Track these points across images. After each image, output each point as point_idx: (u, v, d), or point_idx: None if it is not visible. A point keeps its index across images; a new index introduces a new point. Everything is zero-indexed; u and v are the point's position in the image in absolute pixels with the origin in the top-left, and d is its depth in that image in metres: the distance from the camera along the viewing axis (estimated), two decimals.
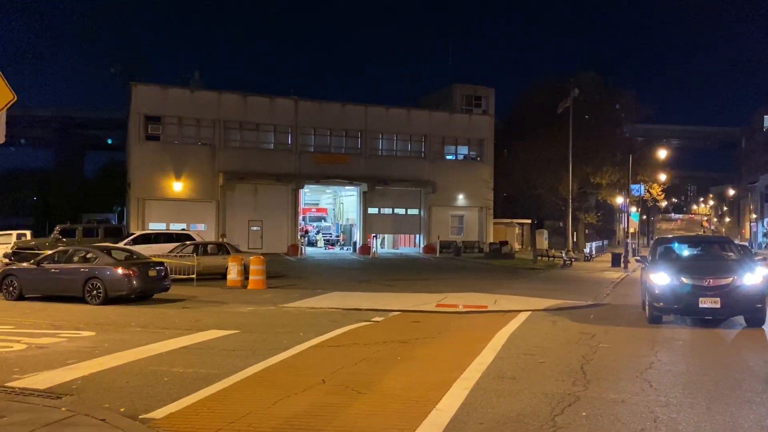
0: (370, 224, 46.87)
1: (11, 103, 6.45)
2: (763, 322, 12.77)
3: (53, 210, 70.31)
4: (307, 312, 15.26)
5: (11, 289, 17.17)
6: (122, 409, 6.70)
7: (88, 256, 17.27)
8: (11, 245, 30.99)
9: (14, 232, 36.00)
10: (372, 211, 47.30)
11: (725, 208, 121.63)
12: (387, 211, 48.11)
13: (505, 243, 45.39)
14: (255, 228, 43.43)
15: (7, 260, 26.21)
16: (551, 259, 37.13)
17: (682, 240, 17.08)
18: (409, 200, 48.65)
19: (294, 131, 45.41)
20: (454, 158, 51.33)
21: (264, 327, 12.85)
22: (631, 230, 44.84)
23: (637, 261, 18.05)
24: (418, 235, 49.34)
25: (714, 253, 15.25)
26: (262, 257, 21.47)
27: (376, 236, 44.16)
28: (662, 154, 51.45)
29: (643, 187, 47.50)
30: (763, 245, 68.79)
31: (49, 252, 19.32)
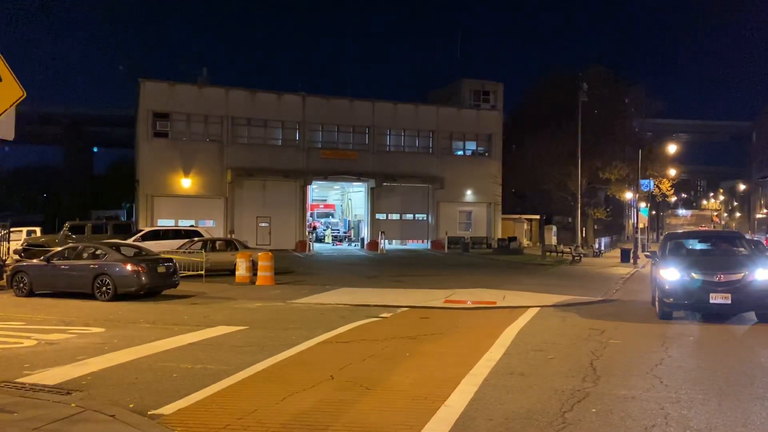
0: (377, 220, 46.85)
1: (21, 99, 6.44)
2: None
3: (63, 207, 70.77)
4: (316, 308, 15.26)
5: (21, 285, 17.27)
6: (131, 405, 6.72)
7: (98, 252, 17.34)
8: (21, 242, 31.25)
9: (24, 229, 36.33)
10: (380, 206, 47.25)
11: (735, 203, 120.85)
12: (395, 206, 48.03)
13: (513, 239, 45.29)
14: (263, 224, 43.52)
15: (17, 257, 26.41)
16: (560, 254, 36.98)
17: (692, 235, 16.93)
18: (417, 196, 48.55)
19: (302, 127, 45.44)
20: (462, 154, 51.20)
21: (272, 323, 12.87)
22: (641, 225, 44.58)
23: (646, 256, 17.93)
24: (426, 231, 49.25)
25: (725, 249, 15.13)
26: (270, 253, 21.50)
27: (383, 232, 44.12)
28: (672, 148, 51.13)
29: (652, 182, 47.20)
30: None
31: (59, 248, 19.42)
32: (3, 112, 6.33)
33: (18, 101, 6.47)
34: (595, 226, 55.48)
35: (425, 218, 49.00)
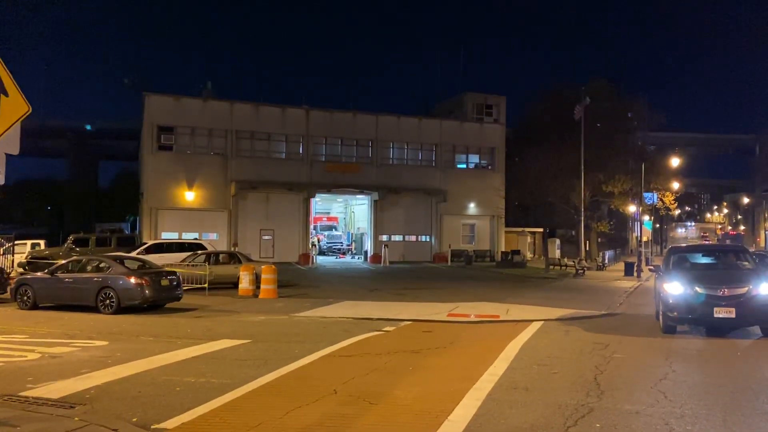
0: (380, 233, 46.85)
1: (26, 114, 6.49)
2: None
3: (67, 219, 70.96)
4: (319, 321, 15.25)
5: (25, 298, 17.31)
6: (135, 419, 6.71)
7: (101, 265, 17.38)
8: (26, 254, 31.31)
9: (29, 242, 36.43)
10: (383, 219, 47.25)
11: (739, 217, 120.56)
12: (398, 220, 48.01)
13: (516, 252, 45.19)
14: (266, 237, 43.54)
15: (21, 269, 26.45)
16: (564, 268, 36.89)
17: (696, 249, 16.85)
18: (420, 209, 48.54)
19: (305, 140, 45.57)
20: (465, 167, 51.23)
21: (276, 336, 12.86)
22: (644, 239, 44.54)
23: (650, 270, 17.87)
24: (429, 244, 49.24)
25: (729, 262, 15.07)
26: (273, 266, 21.51)
27: (386, 245, 44.12)
28: (675, 162, 51.16)
29: (655, 196, 47.20)
30: None
31: (63, 261, 19.47)
32: (9, 127, 6.37)
33: (24, 116, 6.51)
34: (599, 240, 55.37)
35: (428, 239, 48.94)
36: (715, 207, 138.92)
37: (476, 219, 50.71)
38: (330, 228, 57.28)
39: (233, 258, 25.07)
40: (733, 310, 12.25)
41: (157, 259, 23.35)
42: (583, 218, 42.38)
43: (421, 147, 49.33)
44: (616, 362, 10.17)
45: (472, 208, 50.01)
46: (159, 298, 16.99)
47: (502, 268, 40.60)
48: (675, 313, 12.82)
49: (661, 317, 13.67)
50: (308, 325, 14.58)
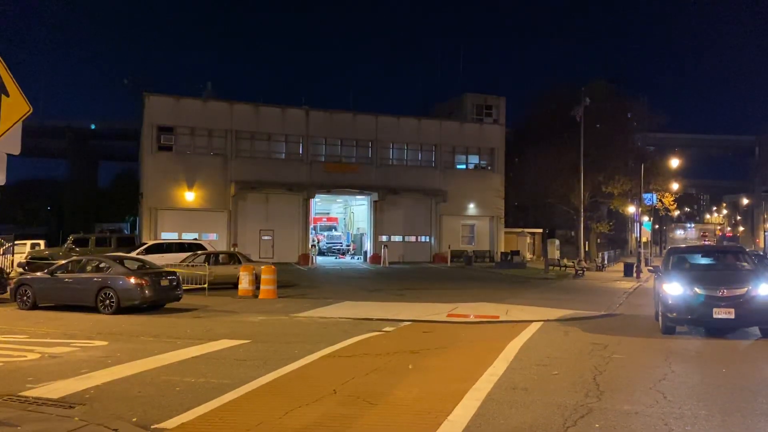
0: (380, 233, 46.86)
1: (27, 114, 6.50)
2: None
3: (67, 220, 70.96)
4: (319, 322, 15.26)
5: (25, 298, 17.32)
6: (135, 419, 6.72)
7: (101, 265, 17.39)
8: (25, 255, 31.32)
9: (28, 242, 36.43)
10: (382, 220, 47.26)
11: (739, 218, 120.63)
12: (398, 220, 48.03)
13: (516, 252, 45.21)
14: (266, 237, 43.54)
15: (21, 269, 26.46)
16: (563, 268, 36.89)
17: (695, 249, 16.84)
18: (420, 210, 48.56)
19: (305, 141, 45.60)
20: (465, 167, 51.26)
21: (275, 337, 12.86)
22: (644, 240, 44.53)
23: (649, 271, 17.89)
24: (429, 245, 49.25)
25: (728, 263, 15.08)
26: (273, 267, 21.51)
27: (386, 246, 44.12)
28: (674, 162, 51.16)
29: (655, 197, 47.18)
30: None
31: (63, 261, 19.48)
32: (10, 127, 6.38)
33: (25, 116, 6.52)
34: (598, 240, 55.37)
35: (428, 239, 48.98)
36: (715, 208, 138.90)
37: (476, 219, 50.74)
38: (330, 228, 57.26)
39: (233, 258, 25.09)
40: (733, 310, 12.26)
41: (157, 259, 23.37)
42: (582, 219, 42.38)
43: (420, 147, 49.35)
44: (616, 363, 10.18)
45: (471, 208, 50.04)
46: (159, 298, 16.99)
47: (502, 268, 40.60)
48: (674, 314, 12.83)
49: (660, 318, 13.68)
50: (308, 326, 14.59)
